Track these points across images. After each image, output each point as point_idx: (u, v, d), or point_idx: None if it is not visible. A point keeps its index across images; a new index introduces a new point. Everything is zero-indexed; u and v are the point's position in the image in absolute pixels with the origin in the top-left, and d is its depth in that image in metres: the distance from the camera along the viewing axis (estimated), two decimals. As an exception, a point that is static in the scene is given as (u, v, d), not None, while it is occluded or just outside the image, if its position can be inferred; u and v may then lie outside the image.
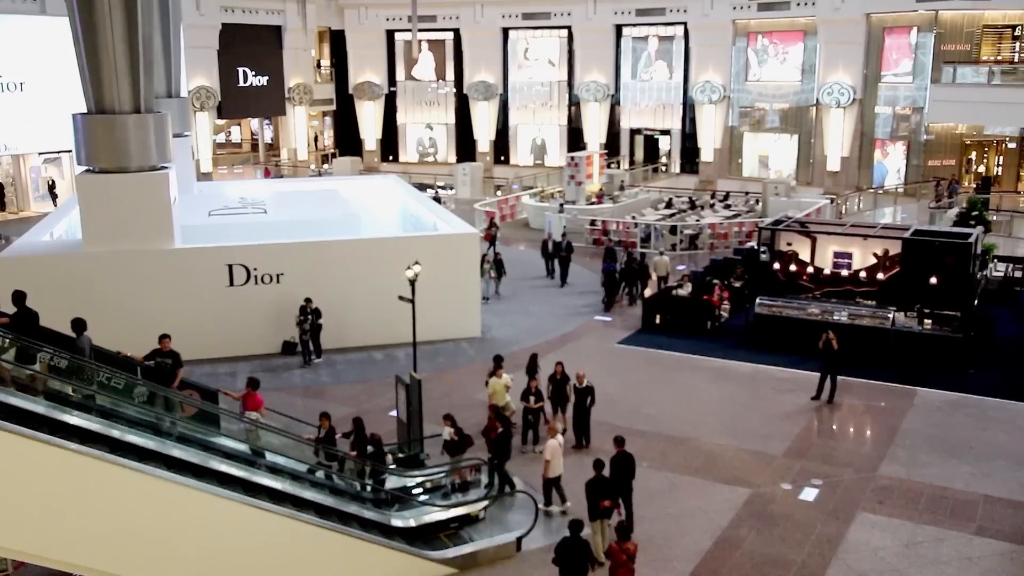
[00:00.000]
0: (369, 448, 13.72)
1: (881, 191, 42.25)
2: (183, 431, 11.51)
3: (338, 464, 13.50)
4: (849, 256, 22.04)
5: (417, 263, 17.54)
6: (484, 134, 53.14)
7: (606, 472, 12.95)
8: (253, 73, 50.39)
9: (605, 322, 24.31)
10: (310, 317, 20.52)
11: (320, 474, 13.01)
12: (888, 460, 15.81)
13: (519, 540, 13.18)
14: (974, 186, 39.67)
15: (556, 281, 28.25)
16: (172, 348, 14.50)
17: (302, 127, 53.64)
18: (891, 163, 44.03)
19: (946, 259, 20.63)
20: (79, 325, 13.12)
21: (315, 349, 20.94)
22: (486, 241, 30.77)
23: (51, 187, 41.18)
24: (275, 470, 12.07)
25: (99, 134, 19.27)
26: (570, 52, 51.32)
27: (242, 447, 12.33)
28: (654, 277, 26.87)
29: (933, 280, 20.59)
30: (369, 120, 55.21)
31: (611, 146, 50.16)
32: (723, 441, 16.65)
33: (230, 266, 20.76)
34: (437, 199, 34.65)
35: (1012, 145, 41.59)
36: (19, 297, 12.63)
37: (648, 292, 26.05)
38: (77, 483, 9.72)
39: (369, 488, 13.30)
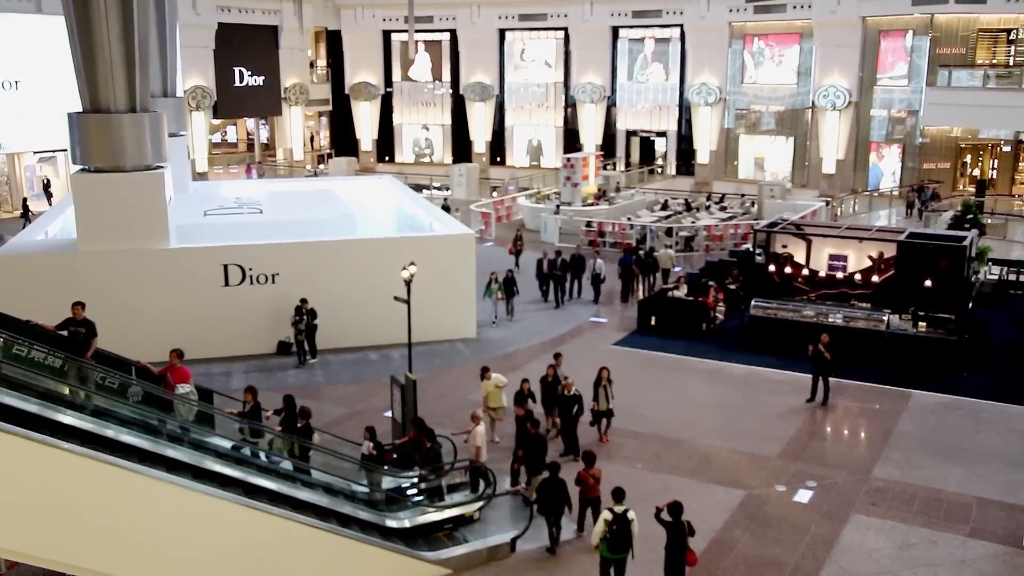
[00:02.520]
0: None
1: (876, 194, 42.38)
2: (101, 406, 11.06)
3: (266, 441, 13.16)
4: (844, 258, 22.10)
5: (413, 264, 17.53)
6: (480, 135, 53.15)
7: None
8: (249, 73, 50.35)
9: (600, 323, 24.32)
10: (305, 317, 20.49)
11: (246, 450, 12.57)
12: (882, 462, 15.83)
13: (513, 541, 13.17)
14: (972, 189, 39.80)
15: (550, 303, 26.02)
16: (86, 317, 13.53)
17: (298, 127, 53.60)
18: (886, 166, 44.16)
19: (941, 262, 20.68)
20: None
21: (310, 349, 20.91)
22: (511, 255, 29.58)
23: (46, 186, 41.10)
24: (200, 446, 11.64)
25: (94, 133, 19.23)
26: (566, 53, 51.36)
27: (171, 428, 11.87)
28: (636, 273, 27.38)
29: (928, 283, 20.65)
30: (365, 120, 55.20)
31: (607, 148, 50.22)
32: (717, 443, 16.66)
33: (225, 266, 20.73)
34: (447, 208, 33.05)
35: (1007, 148, 41.74)
36: None
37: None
38: (68, 482, 9.70)
39: (296, 466, 12.93)
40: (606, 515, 11.78)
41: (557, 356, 17.63)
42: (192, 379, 13.93)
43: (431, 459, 14.06)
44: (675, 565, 11.48)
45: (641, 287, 27.03)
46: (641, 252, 28.54)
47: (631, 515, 11.75)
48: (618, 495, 11.99)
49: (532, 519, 13.48)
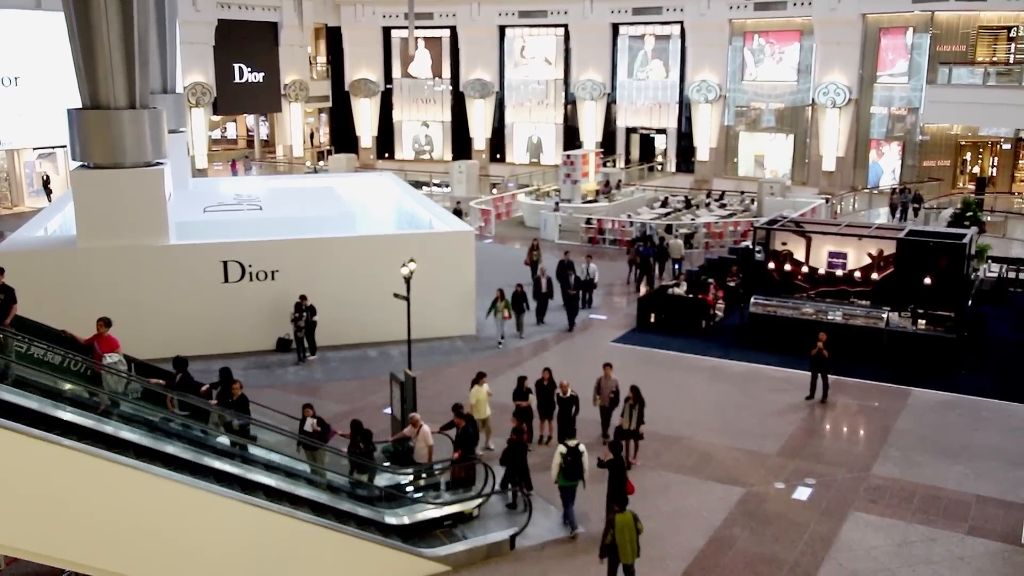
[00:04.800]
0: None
1: (876, 191, 42.35)
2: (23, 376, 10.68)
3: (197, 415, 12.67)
4: (844, 256, 22.09)
5: (412, 260, 17.53)
6: (480, 132, 53.13)
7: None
8: (249, 69, 50.31)
9: (600, 320, 24.31)
10: (305, 314, 20.49)
11: (175, 424, 12.13)
12: (881, 460, 15.85)
13: (513, 538, 13.18)
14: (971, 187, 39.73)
15: (550, 325, 23.65)
16: (5, 283, 12.77)
17: (298, 124, 53.58)
18: (886, 163, 44.14)
19: (940, 260, 20.68)
20: None
21: (310, 346, 20.91)
22: (526, 266, 27.26)
23: (45, 182, 41.12)
24: (128, 419, 11.28)
25: (94, 129, 19.21)
26: (567, 50, 51.32)
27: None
28: (652, 262, 27.85)
29: (927, 280, 20.64)
30: (365, 117, 55.18)
31: (607, 145, 50.21)
32: (717, 440, 16.67)
33: (225, 263, 20.72)
34: (458, 212, 31.84)
35: (1007, 146, 41.72)
36: None
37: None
38: (66, 478, 9.71)
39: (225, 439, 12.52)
40: (561, 449, 13.52)
41: (606, 366, 16.66)
42: (120, 348, 13.14)
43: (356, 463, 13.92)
44: (617, 494, 12.77)
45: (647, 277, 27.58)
46: (653, 237, 29.63)
47: (582, 448, 13.54)
48: (570, 433, 14.17)
49: (530, 516, 13.51)
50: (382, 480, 13.95)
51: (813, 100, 44.49)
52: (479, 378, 16.32)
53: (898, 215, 35.61)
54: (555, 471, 13.49)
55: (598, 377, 16.67)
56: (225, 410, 13.06)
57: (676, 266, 28.44)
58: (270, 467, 12.33)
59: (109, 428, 10.58)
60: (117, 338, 13.15)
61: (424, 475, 14.11)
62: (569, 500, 13.49)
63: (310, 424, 14.08)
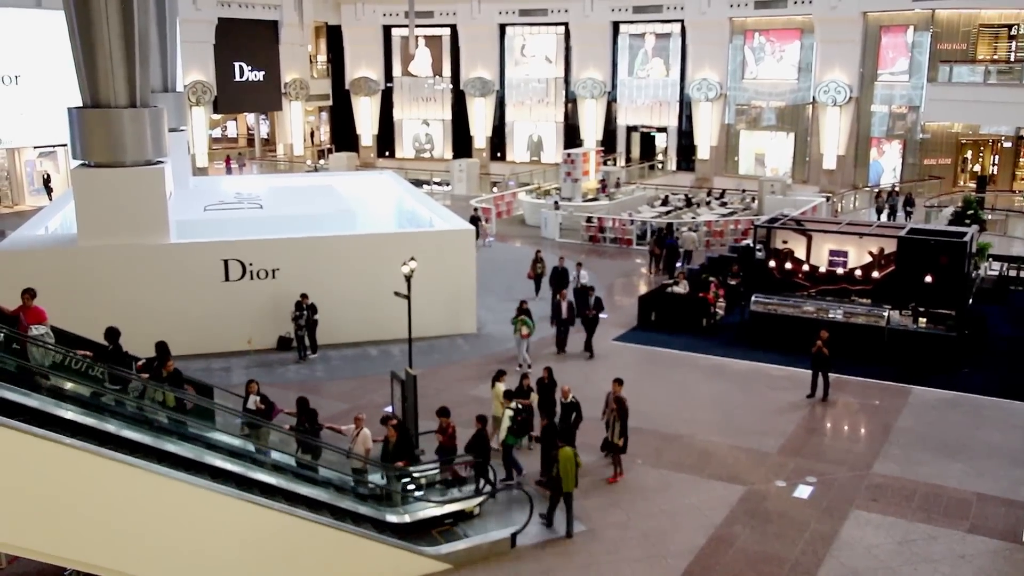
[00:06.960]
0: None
1: (877, 189, 42.32)
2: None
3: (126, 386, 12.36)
4: (844, 254, 22.09)
5: (413, 259, 17.53)
6: (480, 130, 53.15)
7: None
8: (249, 68, 50.35)
9: (601, 319, 24.24)
10: (305, 313, 20.50)
11: (107, 398, 11.76)
12: (882, 458, 15.84)
13: (514, 536, 13.18)
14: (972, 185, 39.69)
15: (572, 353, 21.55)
16: None
17: (298, 122, 53.59)
18: (887, 162, 44.14)
19: (941, 258, 20.68)
20: None
21: (310, 345, 20.91)
22: (529, 279, 26.35)
23: (46, 181, 41.14)
24: (66, 396, 11.00)
25: (94, 128, 19.20)
26: (567, 49, 51.32)
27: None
28: (681, 252, 28.86)
29: (928, 279, 20.64)
30: (365, 116, 55.19)
31: (608, 143, 50.21)
32: (717, 438, 16.67)
33: (225, 261, 20.72)
34: (475, 219, 31.17)
35: (1007, 144, 41.72)
36: None
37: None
38: (67, 476, 9.71)
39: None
40: (509, 413, 14.68)
41: (616, 382, 15.81)
42: (48, 320, 12.71)
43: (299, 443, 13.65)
44: (552, 443, 13.92)
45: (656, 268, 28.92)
46: (663, 228, 31.16)
47: (521, 406, 15.02)
48: (509, 395, 15.30)
49: (532, 515, 13.51)
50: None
51: (814, 98, 44.47)
52: (499, 375, 16.33)
53: (885, 217, 34.94)
54: (503, 431, 14.67)
55: (607, 392, 15.99)
56: (160, 384, 12.72)
57: (683, 261, 28.73)
58: (215, 447, 12.06)
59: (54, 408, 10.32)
60: (44, 310, 12.73)
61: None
62: (513, 454, 14.90)
63: (253, 401, 13.98)
